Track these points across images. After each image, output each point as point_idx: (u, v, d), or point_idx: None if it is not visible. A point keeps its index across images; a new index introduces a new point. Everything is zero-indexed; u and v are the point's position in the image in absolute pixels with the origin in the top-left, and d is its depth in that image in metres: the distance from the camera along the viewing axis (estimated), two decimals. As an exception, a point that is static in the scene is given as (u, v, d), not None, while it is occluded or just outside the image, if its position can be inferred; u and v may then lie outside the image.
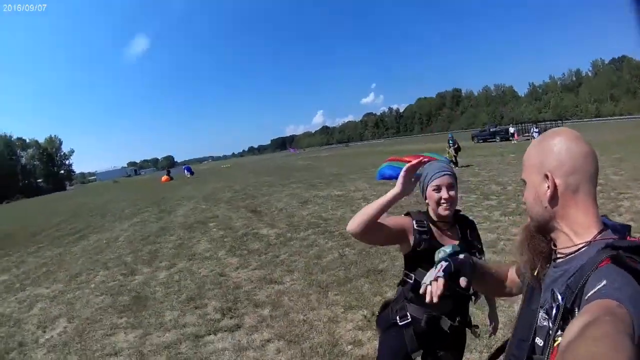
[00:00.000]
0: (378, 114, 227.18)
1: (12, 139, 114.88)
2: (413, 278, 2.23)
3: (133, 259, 9.53)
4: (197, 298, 6.33)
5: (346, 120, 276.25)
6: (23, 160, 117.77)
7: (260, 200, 16.32)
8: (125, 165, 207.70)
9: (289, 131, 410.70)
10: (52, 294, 7.76)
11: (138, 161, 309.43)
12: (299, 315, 5.27)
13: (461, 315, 2.32)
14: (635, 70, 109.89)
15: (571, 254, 1.18)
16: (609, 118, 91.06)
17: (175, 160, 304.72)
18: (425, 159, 2.21)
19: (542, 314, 1.19)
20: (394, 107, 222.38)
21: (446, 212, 2.24)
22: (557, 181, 1.18)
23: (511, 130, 45.78)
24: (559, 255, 1.23)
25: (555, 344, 1.07)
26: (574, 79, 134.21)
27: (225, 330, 5.09)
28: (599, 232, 1.15)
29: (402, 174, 2.01)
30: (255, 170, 43.81)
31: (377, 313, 2.60)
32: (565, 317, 1.06)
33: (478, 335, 2.44)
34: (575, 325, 0.89)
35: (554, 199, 1.19)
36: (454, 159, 21.61)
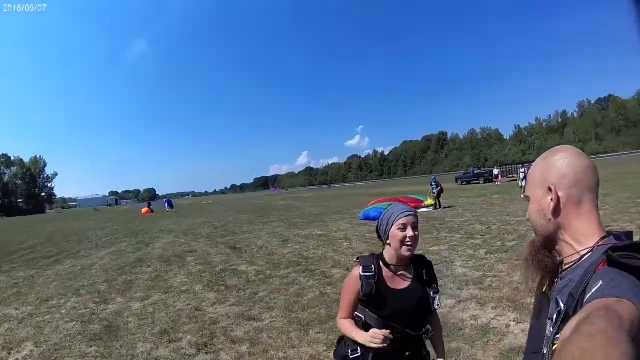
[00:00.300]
0: (363, 156, 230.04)
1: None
2: (363, 320, 2.26)
3: (107, 287, 9.23)
4: (171, 332, 6.08)
5: (330, 161, 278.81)
6: (6, 178, 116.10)
7: (240, 237, 16.09)
8: (107, 194, 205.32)
9: (272, 170, 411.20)
10: (20, 316, 7.50)
11: (120, 191, 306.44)
12: (279, 353, 5.07)
13: (413, 350, 2.30)
14: (620, 108, 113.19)
15: (575, 262, 1.20)
16: (593, 157, 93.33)
17: (157, 193, 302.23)
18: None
19: (548, 325, 1.21)
20: (380, 149, 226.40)
21: (408, 253, 2.23)
22: (560, 193, 1.22)
23: (495, 172, 46.82)
24: (564, 267, 1.25)
25: (553, 347, 1.10)
26: (560, 120, 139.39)
27: (199, 366, 4.88)
28: (601, 239, 1.18)
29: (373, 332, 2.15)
30: (236, 207, 43.78)
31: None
32: (565, 321, 1.06)
33: None
34: (570, 325, 0.88)
35: (557, 210, 1.23)
36: (436, 201, 21.66)
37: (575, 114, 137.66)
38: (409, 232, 2.21)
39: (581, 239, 1.21)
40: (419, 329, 2.29)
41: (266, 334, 5.73)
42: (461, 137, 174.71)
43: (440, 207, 21.23)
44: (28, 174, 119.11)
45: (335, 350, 2.48)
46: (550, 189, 1.24)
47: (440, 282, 6.82)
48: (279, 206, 37.89)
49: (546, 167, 1.28)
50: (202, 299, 7.75)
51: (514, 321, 5.39)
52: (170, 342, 5.67)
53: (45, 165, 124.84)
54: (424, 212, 19.83)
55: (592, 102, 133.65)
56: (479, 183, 47.15)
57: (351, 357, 2.25)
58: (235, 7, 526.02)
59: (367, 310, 2.24)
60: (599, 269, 1.07)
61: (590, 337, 0.76)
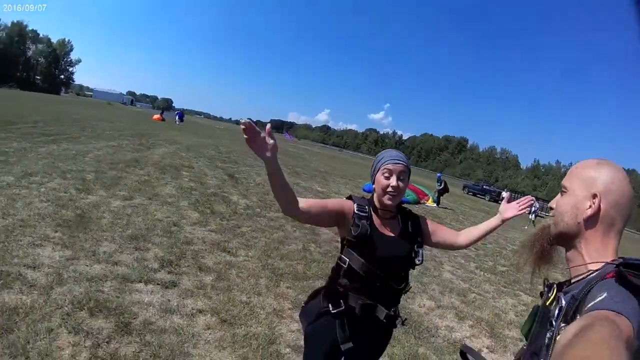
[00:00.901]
0: (381, 132, 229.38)
1: (27, 29, 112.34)
2: (347, 263, 2.09)
3: (93, 178, 8.86)
4: (141, 239, 5.72)
5: (349, 127, 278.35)
6: (29, 53, 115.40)
7: (240, 168, 15.67)
8: (124, 93, 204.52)
9: (291, 117, 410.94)
10: (-3, 184, 7.13)
11: (137, 93, 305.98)
12: (242, 296, 4.70)
13: (395, 306, 2.21)
14: (638, 186, 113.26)
15: (583, 276, 1.21)
16: None
17: (173, 104, 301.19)
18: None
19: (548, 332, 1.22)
20: (399, 132, 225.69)
21: (389, 202, 2.13)
22: (602, 206, 1.21)
23: (503, 194, 46.36)
24: (572, 280, 1.27)
25: (558, 337, 1.10)
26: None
27: (157, 284, 4.49)
28: (613, 260, 1.18)
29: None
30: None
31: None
32: (566, 320, 1.12)
33: (403, 325, 2.32)
34: (570, 330, 0.93)
35: (591, 219, 1.23)
36: (437, 197, 21.27)
37: None
38: (392, 181, 2.10)
39: (594, 255, 1.23)
40: (400, 283, 2.17)
41: (235, 272, 5.37)
42: (480, 149, 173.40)
43: (438, 204, 20.92)
44: (52, 54, 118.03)
45: (304, 306, 2.34)
46: (595, 196, 1.23)
47: (424, 280, 6.54)
48: (287, 152, 37.47)
49: (600, 173, 1.26)
50: (184, 215, 7.40)
51: (487, 348, 5.08)
52: (136, 250, 5.32)
53: (71, 50, 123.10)
54: (427, 207, 19.46)
55: None
56: (484, 198, 47.18)
57: (333, 311, 2.08)
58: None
59: (354, 254, 2.08)
60: (607, 277, 1.09)
61: (593, 345, 0.78)
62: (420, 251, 2.20)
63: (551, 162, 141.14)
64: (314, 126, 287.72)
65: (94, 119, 26.91)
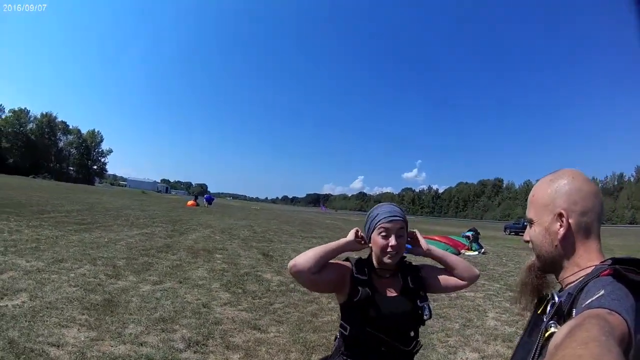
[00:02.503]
0: (417, 190, 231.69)
1: (56, 120, 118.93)
2: (348, 330, 2.05)
3: (124, 264, 9.18)
4: (169, 321, 5.86)
5: (385, 190, 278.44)
6: (60, 144, 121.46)
7: (275, 246, 15.83)
8: (158, 181, 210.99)
9: (326, 189, 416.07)
10: (28, 268, 7.61)
11: (172, 180, 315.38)
12: (271, 372, 4.72)
13: None
14: None
15: (573, 282, 1.25)
16: None
17: (208, 189, 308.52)
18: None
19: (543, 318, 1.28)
20: (434, 187, 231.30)
21: (389, 261, 2.09)
22: (571, 221, 1.26)
23: None
24: (564, 288, 1.30)
25: (546, 333, 1.16)
26: (616, 182, 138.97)
27: (183, 363, 4.59)
28: (602, 262, 1.21)
29: (354, 229, 2.19)
30: (282, 217, 43.76)
31: None
32: (560, 315, 1.17)
33: None
34: (562, 331, 0.93)
35: (566, 238, 1.27)
36: (475, 247, 20.80)
37: (632, 179, 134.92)
38: (392, 241, 2.06)
39: (582, 263, 1.26)
40: (409, 344, 2.08)
41: (265, 348, 5.38)
42: (517, 186, 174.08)
43: (481, 251, 20.38)
44: (83, 145, 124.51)
45: None
46: (561, 215, 1.27)
47: (467, 332, 6.37)
48: (324, 224, 37.64)
49: (555, 191, 1.31)
50: (214, 297, 7.50)
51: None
52: (163, 331, 5.44)
53: (102, 140, 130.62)
54: (467, 256, 18.91)
55: None
56: None
57: None
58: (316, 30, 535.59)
59: (354, 320, 2.04)
60: (603, 274, 1.11)
61: (584, 343, 0.79)
62: (425, 305, 2.13)
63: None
64: (349, 195, 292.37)
65: (127, 207, 27.91)
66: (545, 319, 1.22)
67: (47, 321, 5.13)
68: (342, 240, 2.15)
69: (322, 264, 2.04)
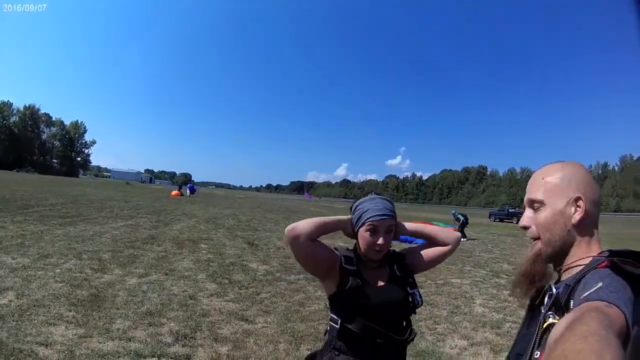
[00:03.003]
0: (401, 177, 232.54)
1: (39, 112, 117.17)
2: (339, 322, 1.98)
3: (110, 257, 9.15)
4: (156, 314, 5.85)
5: (369, 177, 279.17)
6: (44, 136, 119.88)
7: (260, 235, 15.88)
8: (142, 171, 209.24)
9: (310, 177, 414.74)
10: (14, 266, 7.56)
11: (156, 170, 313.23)
12: (259, 363, 4.73)
13: (398, 358, 2.07)
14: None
15: (572, 269, 1.25)
16: (629, 214, 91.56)
17: (192, 179, 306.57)
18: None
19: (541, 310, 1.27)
20: (418, 174, 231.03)
21: (376, 257, 2.07)
22: (586, 206, 1.25)
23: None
24: (562, 277, 1.29)
25: (544, 324, 1.17)
26: (600, 171, 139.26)
27: (171, 358, 4.58)
28: (599, 253, 1.23)
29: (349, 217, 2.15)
30: (266, 205, 43.95)
31: None
32: (558, 306, 1.16)
33: None
34: (561, 324, 0.93)
35: (580, 223, 1.26)
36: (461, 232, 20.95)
37: (617, 168, 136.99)
38: (380, 240, 2.02)
39: (583, 253, 1.26)
40: (403, 333, 2.04)
41: (253, 339, 5.39)
42: (500, 174, 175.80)
43: (465, 237, 20.52)
44: (67, 136, 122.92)
45: None
46: (577, 199, 1.26)
47: (455, 319, 6.42)
48: (309, 211, 37.61)
49: (571, 177, 1.30)
50: (201, 288, 7.52)
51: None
52: (150, 325, 5.43)
53: (85, 131, 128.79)
54: None
55: (635, 157, 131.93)
56: (512, 222, 45.96)
57: None
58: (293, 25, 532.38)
59: (345, 311, 1.98)
60: (601, 266, 1.11)
61: (584, 338, 0.78)
62: (415, 292, 2.09)
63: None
64: (333, 182, 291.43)
65: (112, 199, 27.76)
66: (543, 310, 1.22)
67: (34, 320, 5.11)
68: (339, 217, 2.13)
69: (320, 233, 2.03)
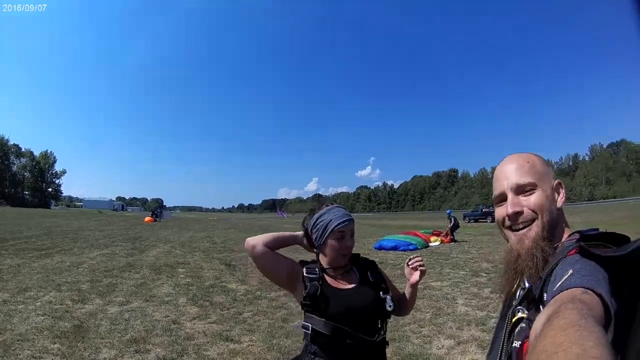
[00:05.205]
0: (372, 187, 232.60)
1: (9, 143, 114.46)
2: (310, 328, 2.02)
3: (89, 287, 8.92)
4: (141, 341, 5.72)
5: (340, 190, 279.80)
6: (14, 168, 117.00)
7: (237, 255, 15.55)
8: (114, 199, 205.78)
9: (281, 194, 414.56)
10: (-6, 301, 7.23)
11: (127, 197, 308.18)
12: (248, 382, 4.67)
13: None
14: (632, 153, 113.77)
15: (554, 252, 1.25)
16: (602, 201, 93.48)
17: (164, 203, 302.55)
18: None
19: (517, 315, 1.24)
20: (389, 182, 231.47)
21: (344, 260, 2.13)
22: (564, 191, 1.35)
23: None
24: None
25: (513, 319, 1.18)
26: (571, 163, 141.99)
27: (160, 382, 4.51)
28: (569, 235, 1.28)
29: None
30: (240, 226, 43.35)
31: None
32: (532, 300, 1.16)
33: None
34: (540, 319, 0.90)
35: (561, 206, 1.33)
36: (450, 235, 21.27)
37: (587, 158, 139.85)
38: (348, 242, 2.12)
39: (560, 235, 1.30)
40: (373, 334, 2.05)
41: (241, 358, 5.32)
42: (472, 175, 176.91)
43: (453, 241, 20.75)
44: (37, 167, 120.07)
45: None
46: (560, 184, 1.35)
47: (439, 320, 6.42)
48: (283, 228, 37.33)
49: (548, 164, 1.37)
50: (183, 312, 7.38)
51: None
52: (136, 352, 5.31)
53: (54, 161, 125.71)
54: (432, 246, 19.17)
55: (605, 146, 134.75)
56: (486, 221, 46.41)
57: None
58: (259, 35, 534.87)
59: (314, 316, 2.03)
60: (570, 254, 1.12)
61: (563, 330, 0.76)
62: (388, 297, 2.12)
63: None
64: (305, 197, 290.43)
65: (86, 229, 27.13)
66: (514, 302, 1.23)
67: (19, 354, 4.94)
68: (293, 233, 2.23)
69: (277, 244, 2.12)
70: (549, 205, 1.28)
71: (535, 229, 1.29)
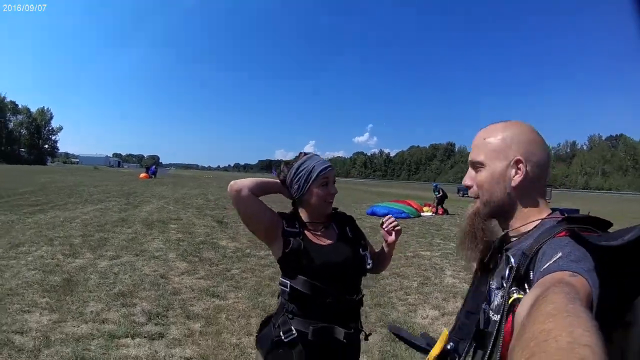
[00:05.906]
0: (369, 154, 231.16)
1: (5, 100, 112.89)
2: (289, 285, 1.95)
3: (80, 242, 8.97)
4: (128, 295, 5.79)
5: (336, 154, 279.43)
6: (10, 125, 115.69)
7: (229, 212, 15.54)
8: (110, 155, 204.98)
9: (278, 155, 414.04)
10: (-14, 257, 7.28)
11: (124, 154, 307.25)
12: (232, 338, 4.71)
13: (355, 321, 2.05)
14: (630, 148, 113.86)
15: (524, 233, 1.22)
16: (597, 192, 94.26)
17: (160, 161, 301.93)
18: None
19: (495, 290, 1.25)
20: (386, 150, 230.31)
21: (328, 210, 2.10)
22: (528, 168, 1.21)
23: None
24: (512, 236, 1.27)
25: (510, 300, 1.08)
26: (569, 150, 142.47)
27: (145, 337, 4.55)
28: (549, 214, 1.23)
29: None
30: (235, 185, 43.21)
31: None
32: (518, 278, 1.10)
33: (366, 340, 2.18)
34: (526, 301, 0.87)
35: (520, 186, 1.23)
36: (437, 207, 21.34)
37: (585, 147, 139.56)
38: (332, 189, 2.06)
39: (531, 215, 1.24)
40: (353, 293, 2.04)
41: (225, 315, 5.38)
42: (469, 150, 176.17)
43: (446, 213, 20.92)
44: (33, 124, 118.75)
45: (258, 334, 2.18)
46: (518, 162, 1.22)
47: (426, 290, 6.44)
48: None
49: (511, 138, 1.24)
50: (172, 267, 7.46)
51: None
52: (123, 306, 5.37)
53: (51, 118, 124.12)
54: (424, 217, 19.32)
55: (603, 137, 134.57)
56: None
57: (286, 340, 1.92)
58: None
59: (293, 273, 1.96)
60: (559, 235, 1.08)
61: (551, 316, 0.72)
62: (367, 254, 2.09)
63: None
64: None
65: (81, 185, 27.11)
66: (504, 284, 1.14)
67: (9, 308, 4.98)
68: (277, 180, 2.13)
69: (261, 190, 2.02)
70: (491, 186, 1.26)
71: (476, 205, 1.34)
